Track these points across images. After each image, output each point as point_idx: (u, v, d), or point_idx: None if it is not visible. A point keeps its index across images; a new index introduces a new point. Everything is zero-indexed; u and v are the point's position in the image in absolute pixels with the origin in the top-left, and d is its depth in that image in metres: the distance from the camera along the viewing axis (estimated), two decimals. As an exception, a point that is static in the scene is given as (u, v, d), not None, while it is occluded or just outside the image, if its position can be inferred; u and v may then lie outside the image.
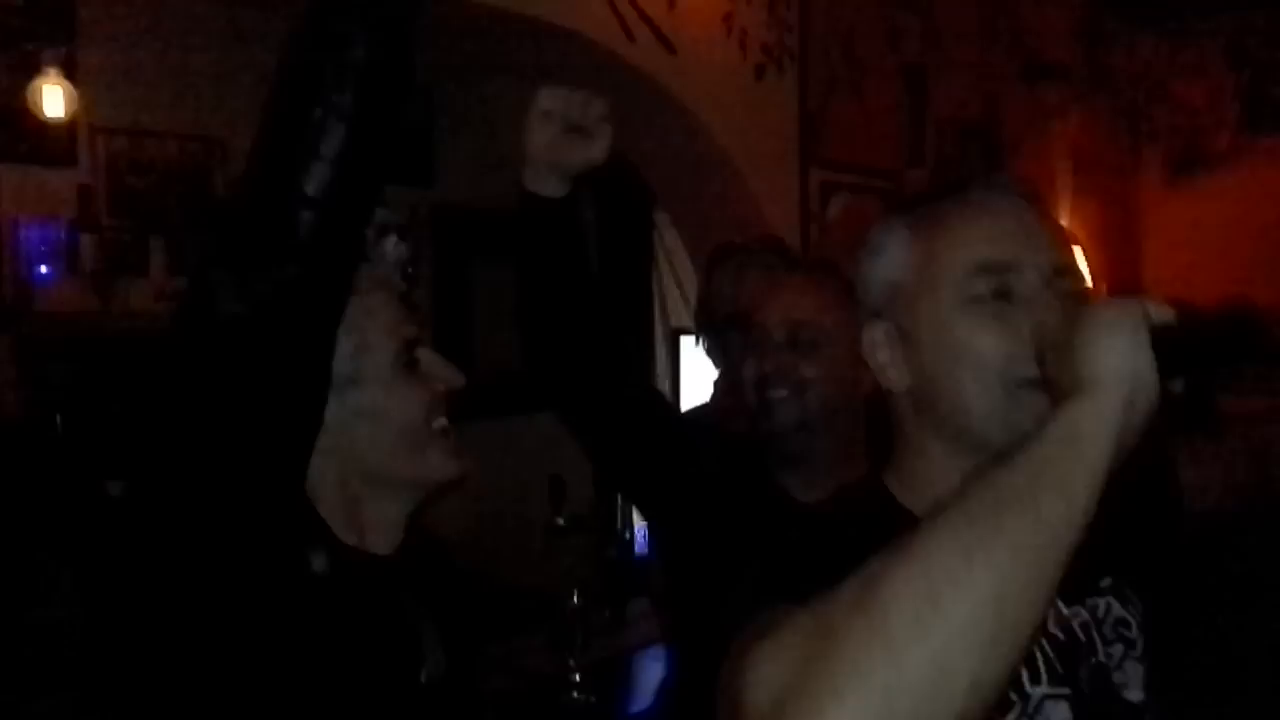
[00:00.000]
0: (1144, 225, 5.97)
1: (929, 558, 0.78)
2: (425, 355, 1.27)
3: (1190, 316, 0.88)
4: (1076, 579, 0.95)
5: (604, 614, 2.99)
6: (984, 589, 0.76)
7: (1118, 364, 0.85)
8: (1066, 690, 1.02)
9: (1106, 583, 1.09)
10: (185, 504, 1.08)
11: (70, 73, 3.97)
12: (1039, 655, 1.02)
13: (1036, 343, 0.97)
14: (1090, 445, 0.83)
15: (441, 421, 1.26)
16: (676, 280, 5.61)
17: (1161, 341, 0.86)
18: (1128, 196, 5.96)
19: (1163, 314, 0.88)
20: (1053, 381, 0.91)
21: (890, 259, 1.10)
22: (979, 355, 1.02)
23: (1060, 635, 1.04)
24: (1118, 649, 1.07)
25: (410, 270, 1.38)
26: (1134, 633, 1.08)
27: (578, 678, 2.57)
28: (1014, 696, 1.00)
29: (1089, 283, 1.10)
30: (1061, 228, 1.10)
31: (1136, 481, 1.25)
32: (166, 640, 1.10)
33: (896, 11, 4.49)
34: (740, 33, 3.89)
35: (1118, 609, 1.08)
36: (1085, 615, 1.06)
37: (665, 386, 5.45)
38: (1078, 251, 1.43)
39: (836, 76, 4.23)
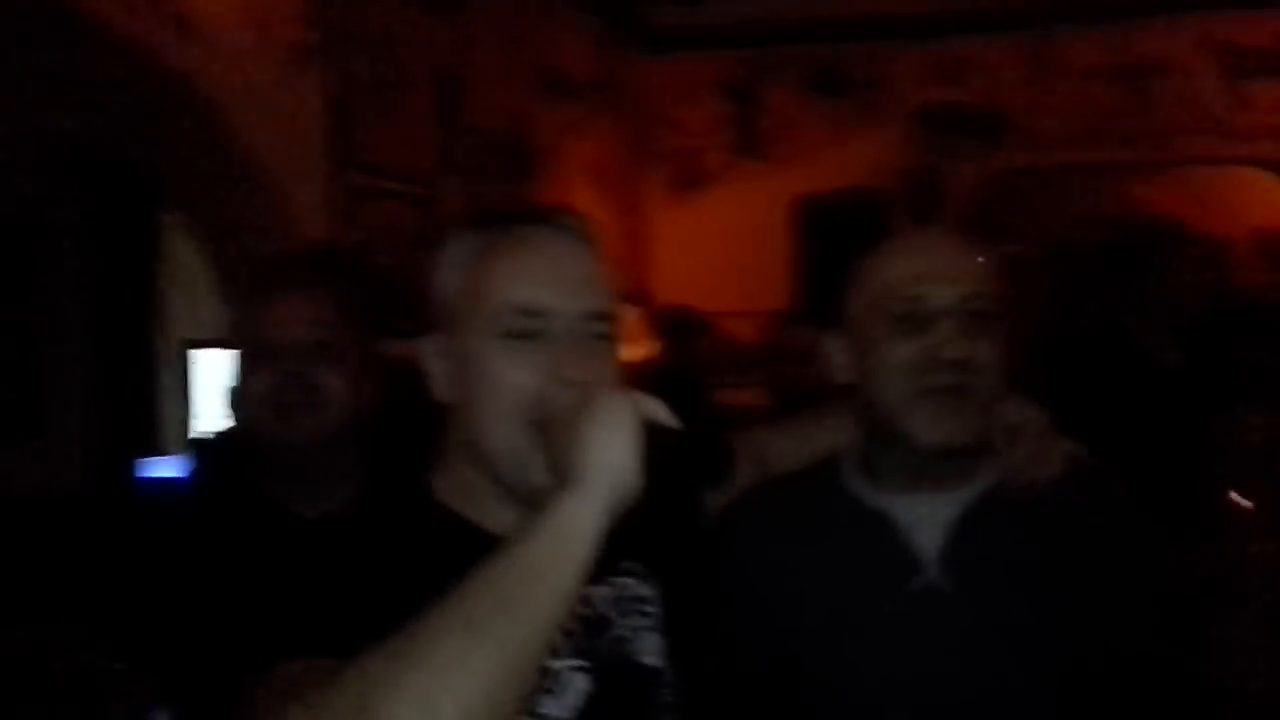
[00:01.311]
0: (652, 235, 6.45)
1: (425, 662, 0.86)
2: None
3: (664, 433, 0.98)
4: (601, 560, 1.09)
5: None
6: (476, 691, 0.86)
7: (606, 463, 0.95)
8: (586, 662, 1.11)
9: (628, 565, 1.19)
10: None
11: None
12: (566, 634, 1.09)
13: (542, 411, 1.05)
14: (580, 545, 0.93)
15: None
16: (185, 290, 5.12)
17: (651, 437, 0.96)
18: (638, 209, 6.41)
19: (655, 411, 0.98)
20: (550, 458, 1.00)
21: (447, 278, 1.15)
22: (503, 390, 1.08)
23: (584, 610, 1.11)
24: (636, 621, 1.17)
25: None
26: (652, 607, 1.19)
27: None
28: (550, 669, 1.07)
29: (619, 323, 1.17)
30: (604, 273, 1.16)
31: (660, 484, 1.34)
32: None
33: (427, 16, 4.44)
34: (266, 25, 3.62)
35: (636, 586, 1.18)
36: (607, 591, 1.15)
37: (174, 403, 4.96)
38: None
39: (369, 78, 4.08)
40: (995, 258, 1.37)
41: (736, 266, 6.08)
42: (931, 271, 1.31)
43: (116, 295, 4.93)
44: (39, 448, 4.31)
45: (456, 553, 0.94)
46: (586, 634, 1.12)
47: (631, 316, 4.89)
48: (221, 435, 1.81)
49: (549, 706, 1.08)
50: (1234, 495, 2.38)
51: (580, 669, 1.11)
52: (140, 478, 3.35)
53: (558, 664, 1.08)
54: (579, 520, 0.94)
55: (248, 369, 1.65)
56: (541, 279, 1.10)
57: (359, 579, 1.07)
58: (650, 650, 1.17)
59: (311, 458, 1.64)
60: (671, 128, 6.50)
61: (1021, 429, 1.36)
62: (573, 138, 5.62)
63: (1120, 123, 6.08)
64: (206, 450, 1.84)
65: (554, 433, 1.00)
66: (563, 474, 0.97)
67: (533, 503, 0.99)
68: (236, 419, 1.71)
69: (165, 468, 3.38)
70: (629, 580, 1.18)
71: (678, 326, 4.92)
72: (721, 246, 6.20)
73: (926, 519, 1.32)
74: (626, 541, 1.15)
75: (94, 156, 4.36)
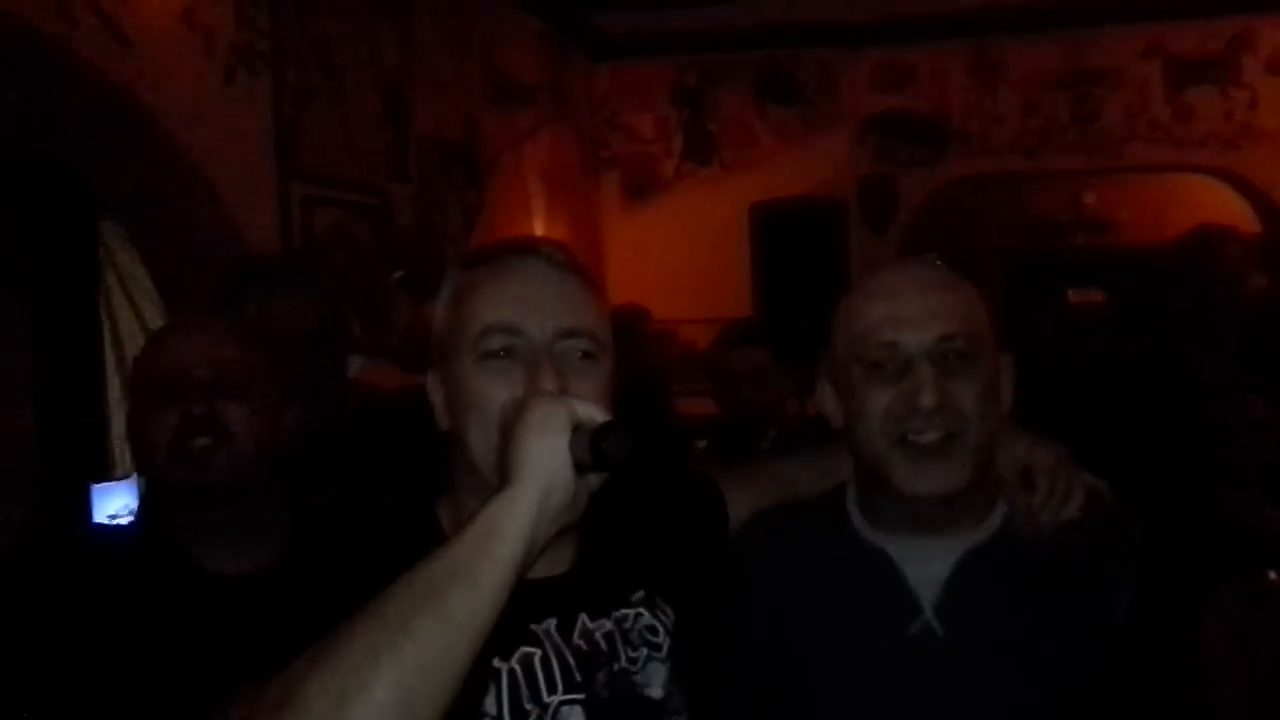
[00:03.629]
0: (606, 242, 6.41)
1: (342, 659, 0.88)
2: None
3: (605, 428, 0.99)
4: (606, 594, 1.18)
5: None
6: (390, 687, 0.87)
7: (535, 463, 0.97)
8: (582, 695, 1.12)
9: (639, 596, 1.21)
10: None
11: None
12: (557, 667, 1.12)
13: (474, 418, 1.10)
14: (502, 542, 0.94)
15: None
16: (132, 304, 4.97)
17: (587, 439, 0.97)
18: (591, 216, 6.36)
19: (590, 413, 1.00)
20: (498, 464, 1.02)
21: (440, 314, 1.20)
22: (481, 407, 1.11)
23: (584, 646, 1.15)
24: (642, 653, 1.18)
25: None
26: (661, 638, 1.20)
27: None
28: (530, 705, 1.10)
29: (608, 343, 1.19)
30: (584, 294, 1.18)
31: (673, 506, 1.34)
32: None
33: (374, 21, 4.35)
34: (205, 30, 3.52)
35: (647, 618, 1.20)
36: (610, 626, 1.17)
37: (120, 422, 4.82)
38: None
39: (315, 85, 3.99)
40: (973, 291, 1.32)
41: (691, 273, 6.06)
42: (904, 315, 1.27)
43: (56, 307, 4.78)
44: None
45: None
46: (583, 668, 1.13)
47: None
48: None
49: None
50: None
51: (575, 702, 1.12)
52: (86, 517, 3.21)
53: (553, 699, 1.11)
54: (504, 520, 0.95)
55: (146, 407, 1.48)
56: (515, 300, 1.14)
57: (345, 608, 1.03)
58: (656, 682, 1.18)
59: (226, 506, 1.48)
60: (623, 134, 6.46)
61: (1037, 467, 1.31)
62: (524, 144, 5.56)
63: (1067, 130, 6.14)
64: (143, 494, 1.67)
65: (503, 442, 1.02)
66: (499, 478, 0.99)
67: None
68: (138, 466, 1.55)
69: (117, 495, 3.25)
70: (638, 611, 1.20)
71: (620, 328, 4.87)
72: (675, 253, 6.18)
73: (927, 562, 1.29)
74: (640, 571, 1.22)
75: (28, 166, 4.23)
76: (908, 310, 1.27)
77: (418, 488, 1.26)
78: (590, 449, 0.98)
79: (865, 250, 6.14)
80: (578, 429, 0.99)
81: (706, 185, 6.37)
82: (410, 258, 4.43)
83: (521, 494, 0.96)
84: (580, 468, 0.99)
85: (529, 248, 1.20)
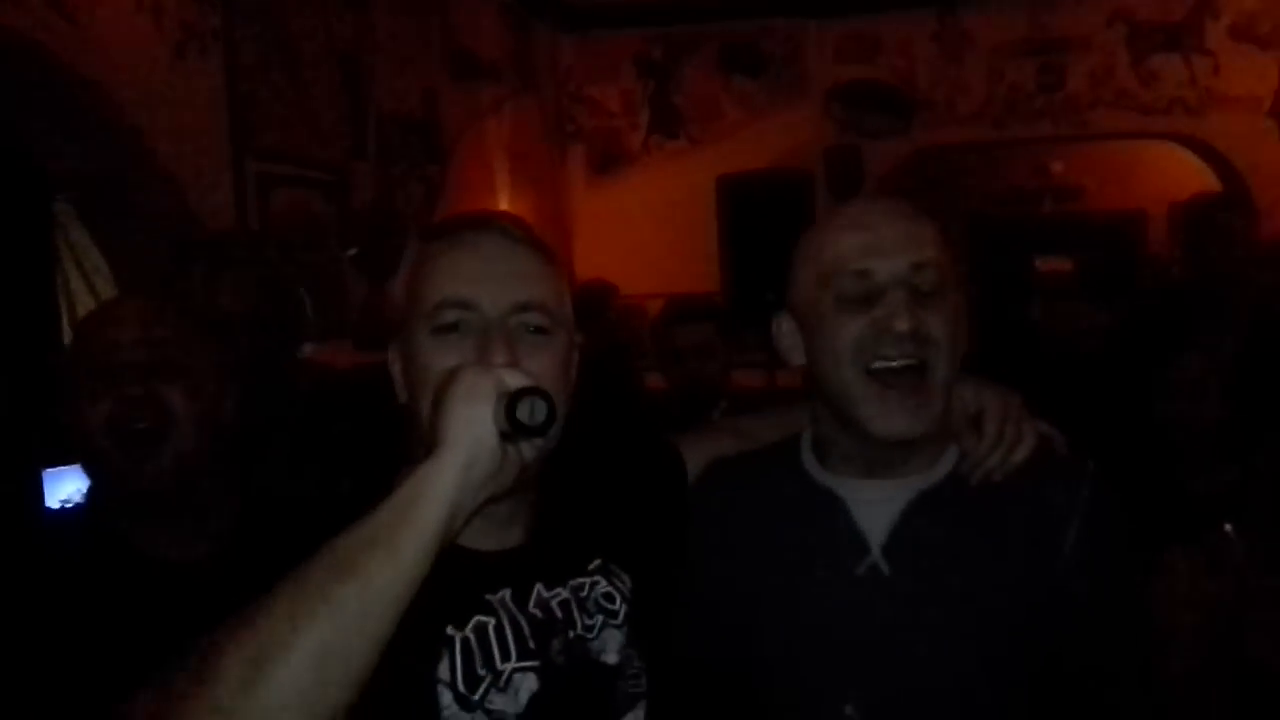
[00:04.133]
0: (572, 217, 6.37)
1: (259, 627, 0.88)
2: None
3: (519, 394, 0.99)
4: (562, 564, 1.19)
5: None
6: (307, 652, 0.88)
7: (458, 431, 0.98)
8: (536, 662, 1.14)
9: (595, 564, 1.22)
10: None
11: None
12: (511, 634, 1.14)
13: (426, 389, 1.08)
14: (423, 509, 0.95)
15: None
16: (88, 283, 4.92)
17: (517, 408, 0.97)
18: (557, 191, 6.32)
19: (517, 381, 1.00)
20: (424, 430, 1.03)
21: (398, 289, 1.20)
22: (431, 379, 1.10)
23: (539, 614, 1.16)
24: (598, 620, 1.20)
25: None
26: (617, 604, 1.21)
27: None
28: (484, 671, 1.12)
29: (564, 317, 1.19)
30: (539, 268, 1.18)
31: (629, 474, 1.34)
32: None
33: (329, -4, 4.29)
34: (154, 7, 3.45)
35: (604, 585, 1.22)
36: (566, 595, 1.19)
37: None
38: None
39: (269, 61, 3.93)
40: (939, 226, 1.30)
41: (658, 247, 6.04)
42: (878, 243, 1.25)
43: (13, 290, 4.72)
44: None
45: None
46: (538, 636, 1.15)
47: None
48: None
49: (498, 703, 1.12)
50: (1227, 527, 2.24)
51: (529, 669, 1.14)
52: (39, 501, 3.16)
53: (506, 666, 1.13)
54: (426, 488, 0.96)
55: (80, 389, 1.43)
56: (467, 275, 1.14)
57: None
58: (611, 648, 1.20)
59: (167, 492, 1.43)
60: (588, 107, 6.42)
61: (986, 411, 1.30)
62: (487, 119, 5.50)
63: (1034, 98, 6.14)
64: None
65: (433, 410, 1.02)
66: (427, 447, 1.00)
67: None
68: (77, 452, 1.48)
69: (70, 480, 3.20)
70: (595, 579, 1.22)
71: (587, 304, 4.86)
72: (642, 227, 6.15)
73: (878, 503, 1.28)
74: (596, 539, 1.24)
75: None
76: (880, 238, 1.26)
77: (374, 466, 1.24)
78: (506, 416, 0.98)
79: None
80: (502, 398, 0.99)
81: (673, 158, 6.34)
82: (369, 235, 4.39)
83: (445, 462, 0.97)
84: (505, 437, 0.99)
85: (485, 222, 1.21)
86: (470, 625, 1.12)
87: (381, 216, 4.56)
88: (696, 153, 6.31)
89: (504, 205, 5.40)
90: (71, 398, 1.44)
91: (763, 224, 5.99)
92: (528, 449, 1.03)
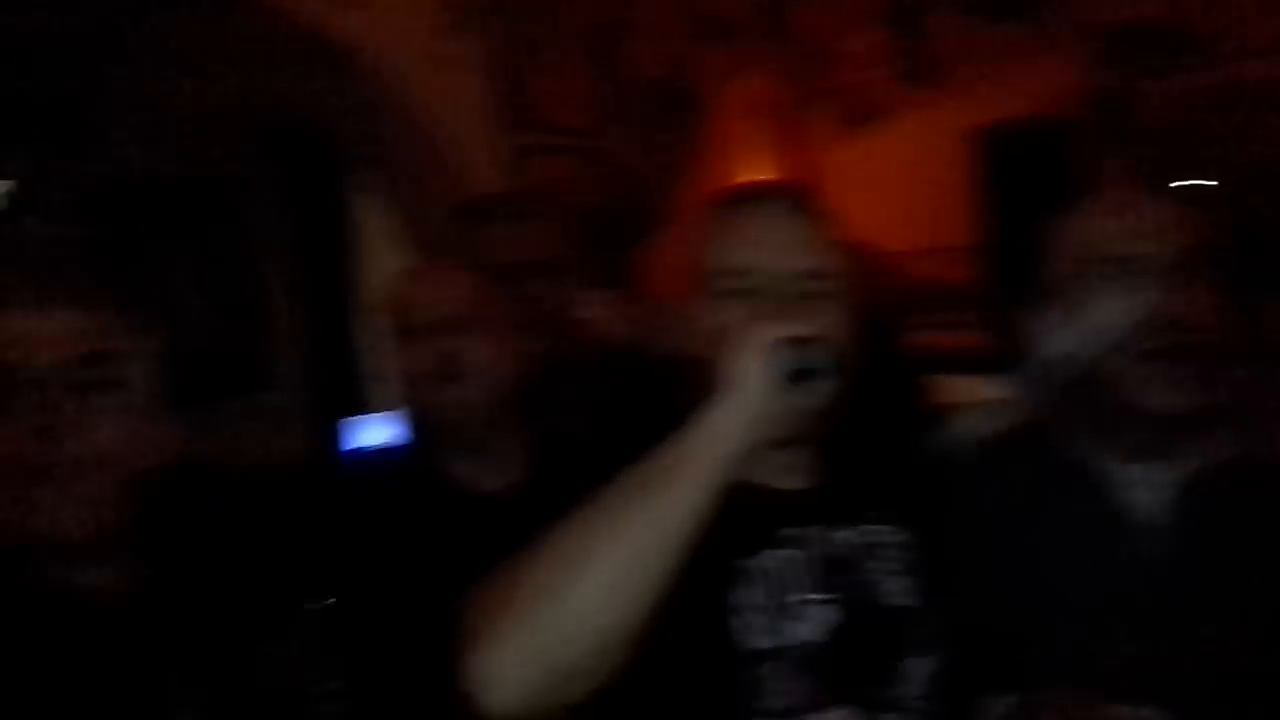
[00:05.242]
0: (822, 174, 6.32)
1: (570, 539, 1.01)
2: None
3: (801, 343, 1.08)
4: (850, 508, 1.27)
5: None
6: (603, 571, 0.99)
7: (742, 379, 1.07)
8: (827, 596, 1.22)
9: (880, 511, 1.30)
10: None
11: None
12: (803, 568, 1.22)
13: (713, 344, 1.16)
14: (707, 448, 1.04)
15: None
16: (378, 252, 5.34)
17: (787, 357, 1.06)
18: (806, 148, 6.28)
19: (798, 329, 1.09)
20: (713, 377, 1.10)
21: (691, 255, 1.29)
22: (714, 340, 1.17)
23: (831, 552, 1.24)
24: (887, 565, 1.27)
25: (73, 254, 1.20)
26: (902, 552, 1.28)
27: (319, 691, 2.37)
28: (776, 601, 1.19)
29: (844, 282, 1.26)
30: (821, 237, 1.27)
31: (906, 431, 1.42)
32: None
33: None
34: (429, -14, 3.71)
35: (889, 533, 1.29)
36: (856, 537, 1.27)
37: (370, 362, 5.20)
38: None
39: (532, 35, 4.13)
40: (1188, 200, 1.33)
41: (913, 203, 5.90)
42: (1140, 228, 1.28)
43: (318, 256, 5.19)
44: (259, 403, 4.62)
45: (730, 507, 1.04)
46: (830, 572, 1.23)
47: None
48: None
49: (789, 632, 1.19)
50: None
51: (827, 601, 1.22)
52: (347, 444, 3.52)
53: (805, 596, 1.21)
54: (712, 427, 1.05)
55: (399, 346, 1.67)
56: (751, 242, 1.24)
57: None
58: (899, 592, 1.26)
59: (473, 432, 1.64)
60: (836, 62, 6.33)
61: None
62: (735, 79, 5.54)
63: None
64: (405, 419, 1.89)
65: (720, 362, 1.11)
66: (712, 392, 1.08)
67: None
68: (403, 396, 1.72)
69: (373, 427, 3.55)
70: (880, 528, 1.29)
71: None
72: (896, 182, 6.02)
73: (1151, 485, 1.29)
74: (879, 491, 1.31)
75: (285, 125, 4.59)
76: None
77: (645, 416, 1.34)
78: (787, 365, 1.07)
79: (1102, 171, 5.80)
80: (784, 350, 1.08)
81: (927, 110, 6.17)
82: (624, 199, 4.54)
83: (728, 406, 1.06)
84: (786, 382, 1.07)
85: (773, 191, 1.32)
86: (764, 556, 1.21)
87: (638, 181, 4.70)
88: (951, 103, 6.11)
89: (754, 166, 5.45)
90: (396, 349, 1.66)
91: (1025, 176, 5.74)
92: (808, 398, 1.10)
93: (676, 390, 1.29)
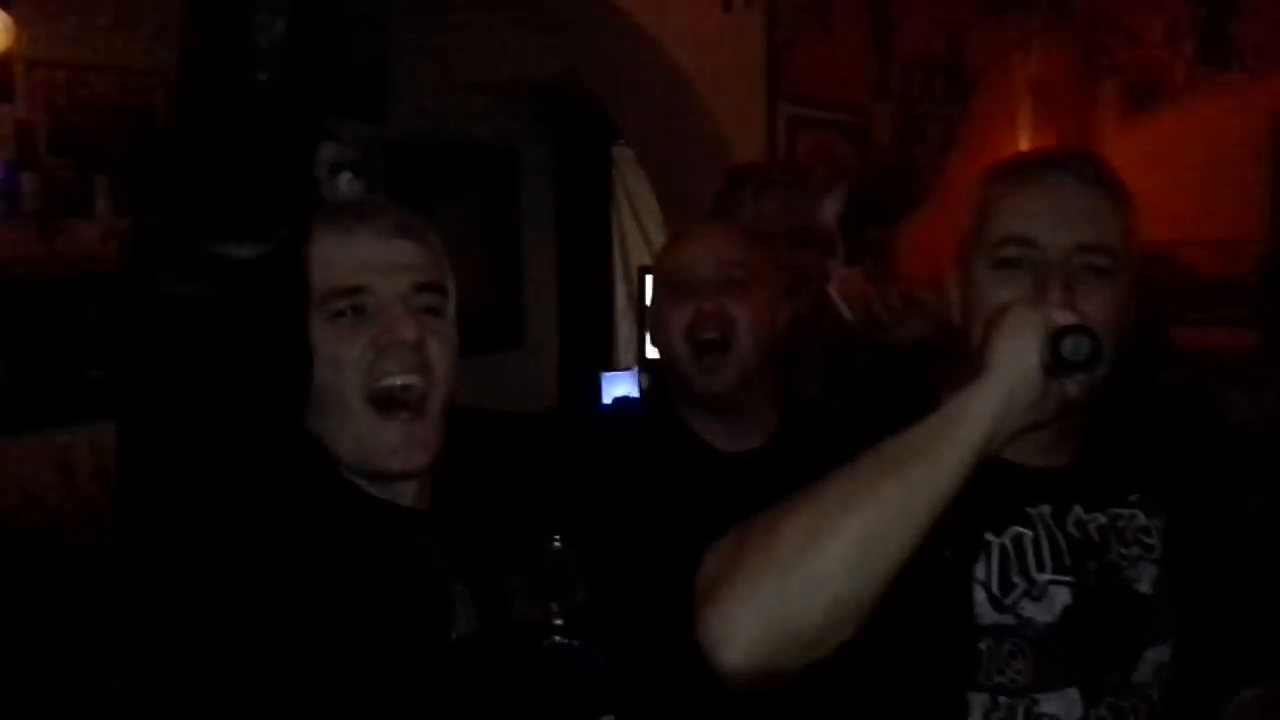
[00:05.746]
0: (1103, 156, 5.98)
1: (814, 506, 1.02)
2: None
3: (1064, 330, 1.04)
4: (1103, 491, 1.25)
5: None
6: (854, 530, 1.00)
7: (1004, 361, 1.05)
8: (1070, 578, 1.20)
9: (1134, 497, 1.27)
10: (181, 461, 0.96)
11: (5, 3, 3.77)
12: (1048, 548, 1.21)
13: (980, 318, 1.15)
14: (963, 427, 1.03)
15: None
16: (636, 218, 5.52)
17: (1061, 344, 1.03)
18: (1086, 129, 5.96)
19: (1065, 319, 1.05)
20: (974, 356, 1.09)
21: (965, 219, 1.27)
22: (985, 310, 1.16)
23: (1076, 534, 1.23)
24: (1134, 550, 1.24)
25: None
26: (1153, 539, 1.25)
27: (560, 622, 2.53)
28: (1018, 579, 1.19)
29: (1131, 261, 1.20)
30: (1113, 209, 1.21)
31: (1172, 413, 1.37)
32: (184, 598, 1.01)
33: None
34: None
35: (1142, 519, 1.26)
36: (1104, 521, 1.24)
37: (628, 327, 5.40)
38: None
39: (804, 9, 4.15)
40: None
41: (1198, 190, 5.50)
42: None
43: (577, 223, 5.44)
44: (519, 357, 4.93)
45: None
46: (1074, 554, 1.22)
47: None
48: (657, 364, 1.88)
49: (1029, 610, 1.19)
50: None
51: (1063, 583, 1.20)
52: (598, 395, 3.71)
53: (1042, 577, 1.20)
54: (969, 409, 1.04)
55: (664, 301, 1.70)
56: (1033, 212, 1.19)
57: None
58: (1145, 579, 1.24)
59: (728, 392, 1.66)
60: (1126, 37, 5.95)
61: None
62: (1013, 55, 5.33)
63: None
64: (652, 375, 1.96)
65: (982, 336, 1.10)
66: (974, 372, 1.07)
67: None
68: (655, 348, 1.77)
69: (621, 383, 3.73)
70: (1133, 512, 1.26)
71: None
72: (1183, 168, 5.62)
73: None
74: (1137, 474, 1.28)
75: (557, 95, 4.82)
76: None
77: (889, 395, 1.36)
78: (1051, 351, 1.04)
79: None
80: (1048, 333, 1.05)
81: (1224, 92, 5.71)
82: (887, 175, 4.49)
83: (987, 388, 1.04)
84: (1048, 371, 1.05)
85: (1058, 160, 1.25)
86: (1009, 533, 1.21)
87: (902, 156, 4.64)
88: (1254, 86, 5.62)
89: (1025, 143, 5.23)
90: (657, 305, 1.71)
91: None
92: (1071, 384, 1.08)
93: (928, 370, 1.30)
